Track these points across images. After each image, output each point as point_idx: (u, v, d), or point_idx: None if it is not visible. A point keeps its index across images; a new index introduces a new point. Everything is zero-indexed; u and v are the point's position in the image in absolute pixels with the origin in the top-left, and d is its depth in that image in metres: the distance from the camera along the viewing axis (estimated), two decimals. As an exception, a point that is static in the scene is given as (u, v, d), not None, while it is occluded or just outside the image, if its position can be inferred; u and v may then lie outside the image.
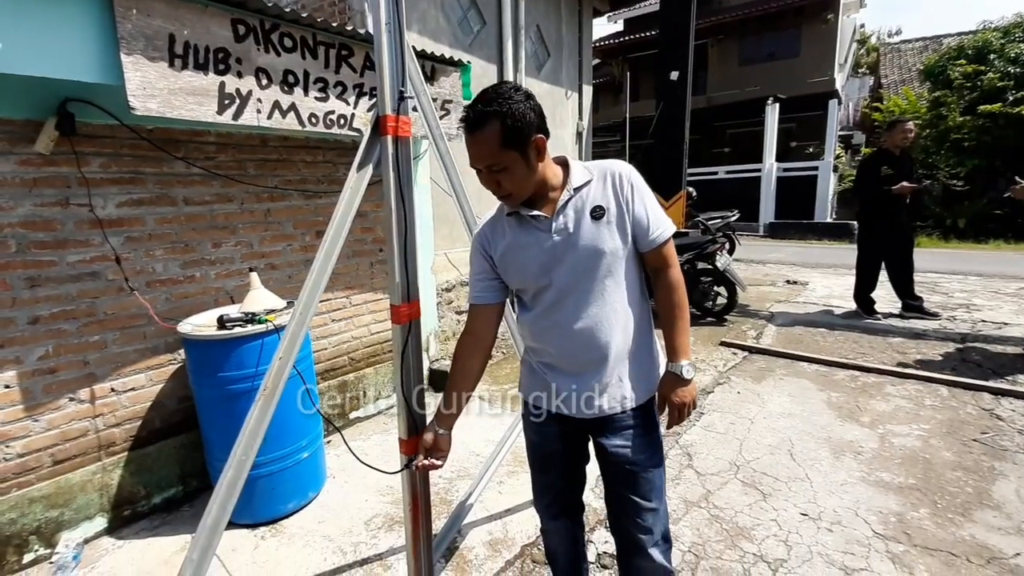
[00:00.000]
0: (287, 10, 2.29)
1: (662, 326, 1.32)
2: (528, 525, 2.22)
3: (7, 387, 2.02)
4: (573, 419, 1.35)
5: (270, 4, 2.21)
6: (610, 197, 1.24)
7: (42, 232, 2.07)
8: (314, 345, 3.03)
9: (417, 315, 1.53)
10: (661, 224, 1.26)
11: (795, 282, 7.12)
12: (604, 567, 1.98)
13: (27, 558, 2.07)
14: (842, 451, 2.77)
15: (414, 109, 1.47)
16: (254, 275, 2.39)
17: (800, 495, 2.39)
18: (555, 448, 1.44)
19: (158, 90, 1.96)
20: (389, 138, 1.41)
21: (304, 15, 2.36)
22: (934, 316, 5.06)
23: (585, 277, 1.24)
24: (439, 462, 1.38)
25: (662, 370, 1.35)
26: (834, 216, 14.44)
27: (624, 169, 1.26)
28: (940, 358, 4.07)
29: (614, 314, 1.26)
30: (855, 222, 12.64)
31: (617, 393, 1.31)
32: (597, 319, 1.26)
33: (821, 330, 4.94)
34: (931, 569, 1.92)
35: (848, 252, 9.56)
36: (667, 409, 1.32)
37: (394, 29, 1.39)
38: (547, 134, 1.22)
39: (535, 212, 1.26)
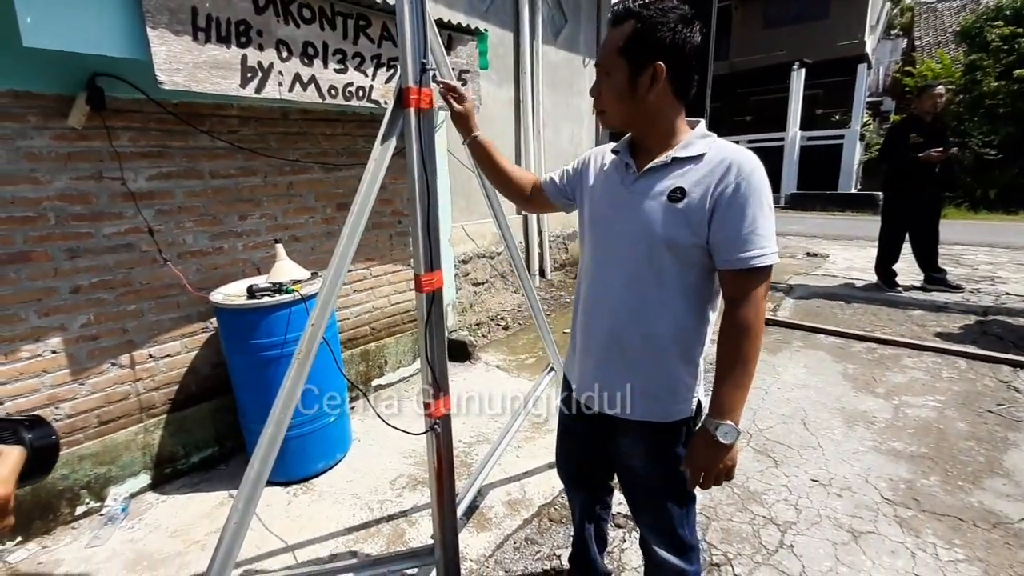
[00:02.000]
0: (305, -20, 2.29)
1: (716, 368, 1.08)
2: (545, 487, 2.32)
3: (54, 352, 2.15)
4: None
5: (289, -26, 2.20)
6: (705, 184, 1.03)
7: (79, 205, 2.15)
8: (337, 315, 3.12)
9: (440, 284, 1.58)
10: (756, 247, 1.00)
11: (815, 254, 7.03)
12: (618, 526, 2.07)
13: (79, 510, 2.24)
14: (855, 421, 2.81)
15: (434, 80, 1.48)
16: (279, 247, 2.46)
17: (812, 463, 2.45)
18: (576, 425, 1.41)
19: (184, 64, 1.99)
20: (412, 110, 1.43)
21: (322, -15, 2.35)
22: (957, 289, 4.98)
23: (630, 253, 1.12)
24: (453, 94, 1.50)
25: (694, 403, 1.20)
26: (859, 187, 14.06)
27: (747, 165, 1.01)
28: (960, 331, 4.03)
29: (645, 308, 1.13)
30: (880, 193, 12.36)
31: (618, 395, 1.21)
32: (624, 305, 1.15)
33: (839, 303, 4.91)
34: (938, 532, 1.98)
35: (872, 224, 9.33)
36: (690, 470, 1.13)
37: (415, 2, 1.40)
38: (680, 72, 1.06)
39: (629, 160, 1.16)
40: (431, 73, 1.43)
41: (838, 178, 13.40)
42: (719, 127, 14.81)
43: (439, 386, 1.58)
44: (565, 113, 6.11)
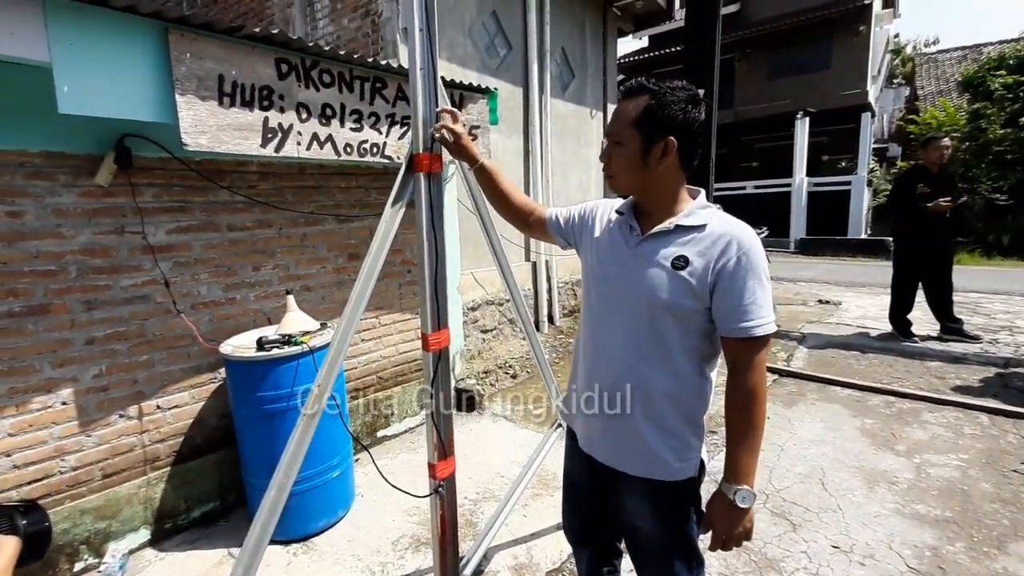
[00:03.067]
0: (326, 48, 2.42)
1: (726, 435, 1.15)
2: (553, 550, 2.24)
3: (64, 404, 2.16)
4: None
5: (311, 44, 2.34)
6: (708, 256, 1.09)
7: (99, 259, 2.22)
8: (344, 364, 3.12)
9: (447, 343, 1.59)
10: (756, 317, 1.07)
11: (827, 302, 6.96)
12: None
13: (77, 566, 2.19)
14: (876, 481, 2.70)
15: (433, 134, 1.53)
16: (290, 298, 2.50)
17: (832, 527, 2.34)
18: (582, 481, 1.41)
19: (208, 127, 2.10)
20: (422, 175, 1.48)
21: (342, 52, 2.49)
22: (975, 339, 4.88)
23: (633, 313, 1.17)
24: (448, 134, 1.44)
25: (697, 463, 1.22)
26: (868, 232, 14.06)
27: (746, 239, 1.09)
28: (980, 384, 3.92)
29: (647, 367, 1.16)
30: (891, 238, 12.33)
31: (622, 452, 1.23)
32: (626, 363, 1.19)
33: (855, 353, 4.82)
34: (970, 610, 1.86)
35: (884, 270, 9.26)
36: (712, 534, 1.17)
37: (428, 74, 1.47)
38: (688, 147, 1.13)
39: (633, 222, 1.22)
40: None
41: (847, 223, 13.43)
42: (726, 173, 15.05)
43: (444, 447, 1.56)
44: (573, 161, 6.27)
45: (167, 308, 2.39)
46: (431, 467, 1.56)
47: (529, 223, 1.54)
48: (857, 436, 3.21)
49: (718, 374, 1.23)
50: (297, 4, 4.76)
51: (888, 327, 5.26)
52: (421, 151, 1.47)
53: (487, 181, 1.55)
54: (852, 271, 9.87)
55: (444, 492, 1.57)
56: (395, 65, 2.74)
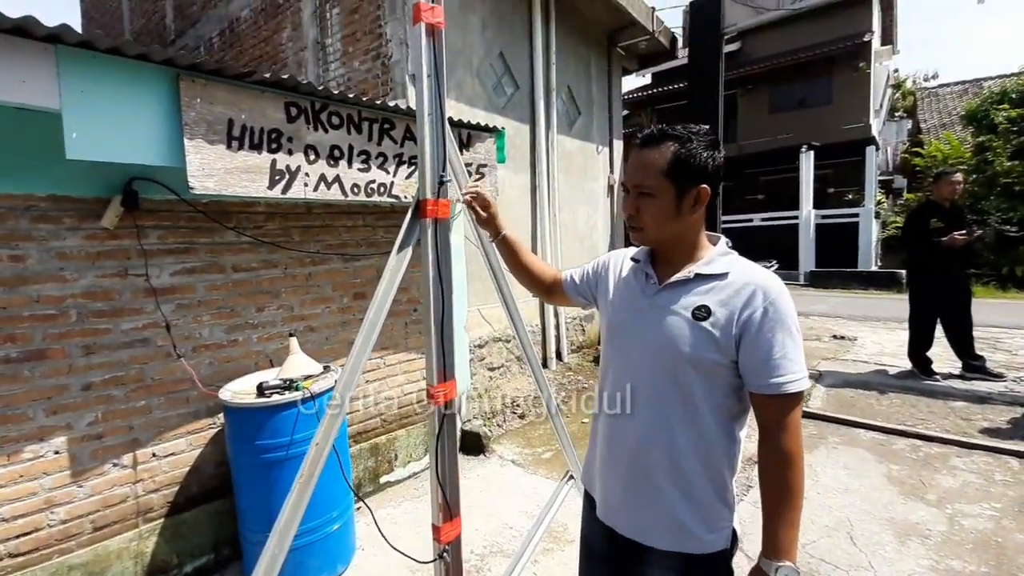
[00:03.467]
0: (336, 90, 2.44)
1: (762, 505, 1.05)
2: (565, 612, 2.09)
3: (56, 453, 2.09)
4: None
5: (320, 88, 2.35)
6: (731, 306, 1.03)
7: (101, 302, 2.18)
8: (347, 407, 3.03)
9: (454, 394, 1.51)
10: (787, 372, 0.99)
11: (842, 337, 6.79)
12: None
13: (60, 628, 2.07)
14: (907, 534, 2.54)
15: (461, 196, 1.54)
16: (293, 340, 2.44)
17: (865, 588, 2.18)
18: (600, 551, 1.28)
19: (215, 170, 2.09)
20: (429, 221, 1.44)
21: (351, 94, 2.50)
22: (998, 377, 4.71)
23: (653, 368, 1.10)
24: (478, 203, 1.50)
25: (729, 533, 1.12)
26: (879, 264, 13.93)
27: (773, 290, 1.02)
28: (1008, 425, 3.75)
29: (670, 427, 1.08)
30: (903, 271, 12.27)
31: (645, 522, 1.13)
32: (648, 422, 1.11)
33: (874, 392, 4.65)
34: None
35: (897, 303, 9.13)
36: None
37: (436, 119, 1.45)
38: (716, 192, 1.10)
39: (650, 270, 1.17)
40: (447, 185, 1.46)
41: (857, 255, 13.33)
42: (732, 206, 15.11)
43: (450, 508, 1.46)
44: (580, 197, 6.28)
45: (167, 351, 2.34)
46: (435, 529, 1.46)
47: (550, 290, 1.52)
48: (884, 484, 3.05)
49: (747, 434, 1.14)
50: (310, 48, 4.88)
51: (908, 364, 5.10)
52: (428, 196, 1.44)
53: (509, 252, 1.55)
54: (865, 304, 9.70)
55: (449, 558, 1.46)
56: (403, 106, 2.76)
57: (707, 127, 1.12)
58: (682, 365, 1.06)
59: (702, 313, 1.05)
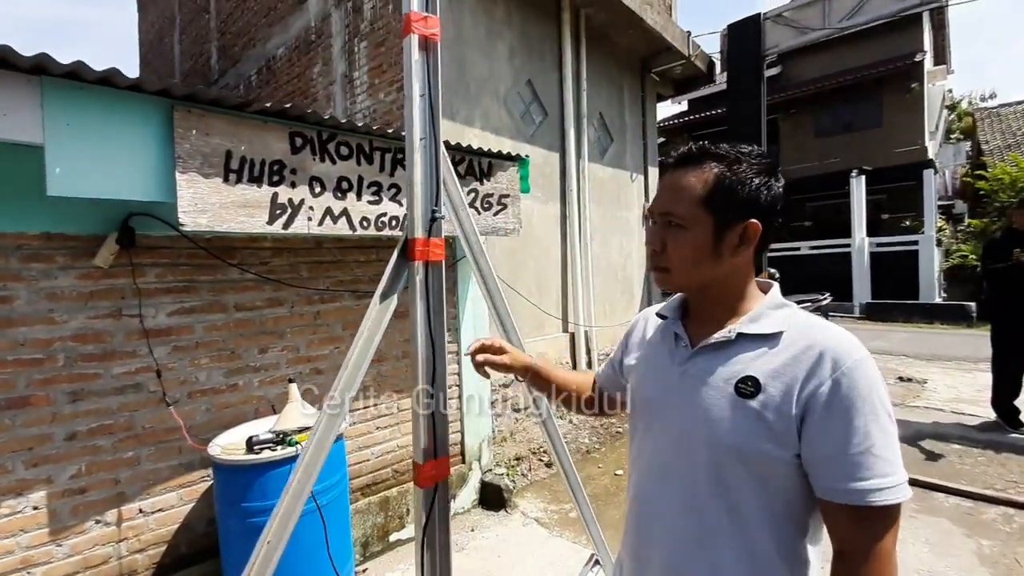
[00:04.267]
0: (361, 121, 2.30)
1: None
2: None
3: (35, 508, 1.93)
4: None
5: (327, 117, 2.21)
6: (789, 378, 0.76)
7: (91, 345, 2.05)
8: (355, 456, 2.81)
9: (447, 473, 1.25)
10: (874, 474, 0.70)
11: (910, 379, 6.08)
12: None
13: None
14: (1020, 640, 2.05)
15: (443, 217, 1.27)
16: (293, 387, 2.25)
17: None
18: None
19: (210, 205, 1.95)
20: (419, 264, 1.21)
21: (360, 124, 2.36)
22: (1107, 432, 4.04)
23: (687, 461, 0.84)
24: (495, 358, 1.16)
25: None
26: (943, 295, 12.87)
27: (848, 355, 0.74)
28: None
29: (711, 544, 0.81)
30: (972, 303, 11.23)
31: None
32: (682, 535, 0.84)
33: (954, 447, 4.05)
34: None
35: (969, 340, 8.28)
36: None
37: (430, 144, 1.23)
38: (767, 231, 0.83)
39: (680, 329, 0.92)
40: (440, 222, 1.23)
41: (918, 286, 12.34)
42: (777, 234, 14.37)
43: (438, 619, 1.18)
44: (613, 226, 6.01)
45: (160, 397, 2.18)
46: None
47: (592, 400, 1.22)
48: (975, 565, 2.54)
49: (821, 556, 0.83)
50: (338, 81, 4.90)
51: (991, 414, 4.47)
52: (418, 235, 1.21)
53: (544, 381, 1.22)
54: (933, 341, 8.83)
55: None
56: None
57: (762, 149, 0.86)
58: (726, 460, 0.79)
59: (749, 388, 0.78)
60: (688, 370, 0.86)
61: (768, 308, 0.84)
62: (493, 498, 3.30)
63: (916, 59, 12.67)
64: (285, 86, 5.75)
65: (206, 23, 7.30)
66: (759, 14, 6.77)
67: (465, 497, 3.29)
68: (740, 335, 0.82)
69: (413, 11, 1.18)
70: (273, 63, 5.92)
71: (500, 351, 1.18)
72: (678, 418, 0.85)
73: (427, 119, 1.23)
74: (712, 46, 14.77)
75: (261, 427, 2.20)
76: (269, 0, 5.81)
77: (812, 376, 0.74)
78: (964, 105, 22.78)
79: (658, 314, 0.99)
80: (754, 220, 0.82)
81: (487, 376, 1.20)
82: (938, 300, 12.19)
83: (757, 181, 0.82)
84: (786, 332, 0.80)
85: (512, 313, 1.57)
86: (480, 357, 1.15)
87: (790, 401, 0.75)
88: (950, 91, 21.26)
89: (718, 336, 0.84)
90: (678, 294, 0.97)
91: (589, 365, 5.30)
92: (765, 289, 0.89)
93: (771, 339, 0.81)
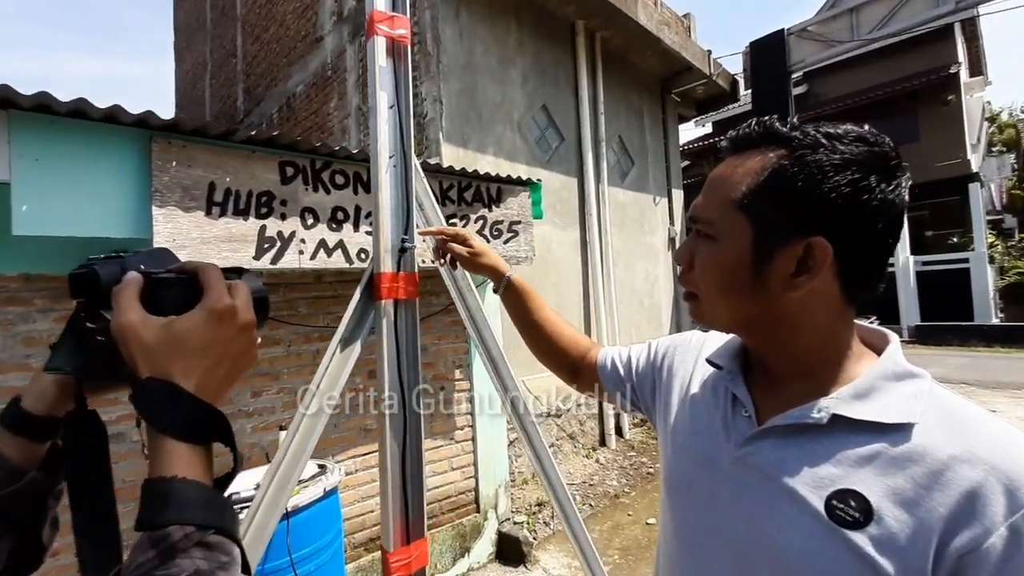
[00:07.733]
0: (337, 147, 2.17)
1: None
2: None
3: None
4: None
5: (319, 144, 2.09)
6: (925, 507, 0.46)
7: (69, 392, 1.91)
8: (356, 508, 2.59)
9: (424, 561, 1.02)
10: None
11: (972, 409, 5.53)
12: None
13: None
14: None
15: (412, 247, 1.07)
16: (283, 435, 2.05)
17: None
18: None
19: (190, 240, 1.82)
20: (387, 303, 1.01)
21: (356, 151, 2.23)
22: None
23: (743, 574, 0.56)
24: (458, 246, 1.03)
25: None
26: (1000, 316, 11.97)
27: None
28: None
29: None
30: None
31: None
32: None
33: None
34: None
35: (1036, 364, 7.56)
36: None
37: (399, 166, 1.05)
38: (863, 257, 0.54)
39: (741, 390, 0.62)
40: (411, 252, 1.04)
41: (972, 307, 11.53)
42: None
43: None
44: (637, 251, 5.76)
45: (142, 448, 2.02)
46: None
47: (576, 368, 0.94)
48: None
49: None
50: (353, 115, 4.89)
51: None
52: (385, 269, 1.02)
53: (519, 303, 1.01)
54: (995, 366, 8.09)
55: None
56: (432, 162, 2.48)
57: (871, 130, 0.53)
58: None
59: (851, 511, 0.48)
60: (750, 457, 0.57)
61: (884, 378, 0.53)
62: (511, 552, 3.00)
63: (951, 71, 12.19)
64: (303, 121, 5.81)
65: (233, 66, 7.55)
66: (783, 29, 6.59)
67: (480, 551, 3.01)
68: (837, 417, 0.52)
69: (376, 10, 1.02)
70: (293, 100, 6.01)
71: (465, 242, 1.04)
72: (730, 522, 0.58)
73: (397, 134, 1.05)
74: (734, 68, 14.62)
75: (251, 480, 2.01)
76: (290, 40, 5.94)
77: (970, 516, 0.45)
78: (1005, 117, 21.82)
79: (709, 360, 0.68)
80: (819, 238, 0.51)
81: (461, 257, 1.04)
82: (995, 321, 11.34)
83: (844, 177, 0.50)
84: (918, 425, 0.50)
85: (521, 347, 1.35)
86: (436, 232, 1.07)
87: (926, 551, 0.45)
88: (989, 102, 20.43)
89: (800, 415, 0.54)
90: (731, 335, 0.67)
91: (615, 399, 4.98)
92: (877, 344, 0.58)
93: (891, 433, 0.50)
